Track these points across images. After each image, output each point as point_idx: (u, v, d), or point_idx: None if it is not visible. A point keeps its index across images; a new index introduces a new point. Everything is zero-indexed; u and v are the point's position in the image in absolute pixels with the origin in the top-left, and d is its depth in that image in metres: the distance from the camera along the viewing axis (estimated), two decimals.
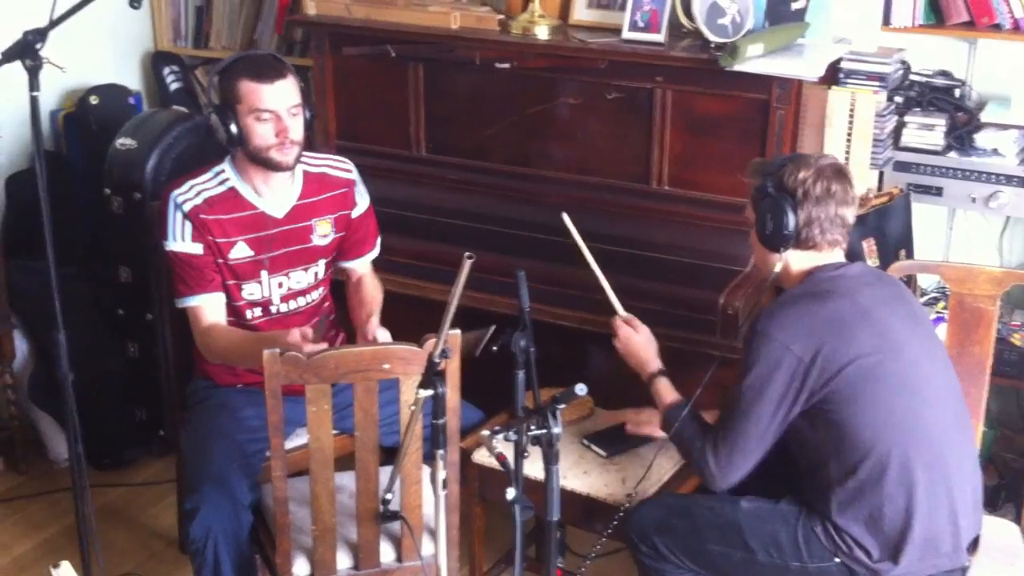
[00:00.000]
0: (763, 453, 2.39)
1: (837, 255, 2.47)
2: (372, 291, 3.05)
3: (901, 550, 2.32)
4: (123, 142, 3.58)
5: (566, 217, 2.74)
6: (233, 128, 2.73)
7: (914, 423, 2.34)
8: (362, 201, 3.05)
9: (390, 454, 2.59)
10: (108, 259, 3.72)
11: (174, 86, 4.37)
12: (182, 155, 3.58)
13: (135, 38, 4.41)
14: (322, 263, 3.00)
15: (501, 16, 3.45)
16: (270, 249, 2.88)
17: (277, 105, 2.73)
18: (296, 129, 2.78)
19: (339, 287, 3.15)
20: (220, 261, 2.83)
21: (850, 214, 2.44)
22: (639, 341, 2.75)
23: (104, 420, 3.75)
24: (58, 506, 3.65)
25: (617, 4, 3.40)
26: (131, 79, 4.39)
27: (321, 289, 3.04)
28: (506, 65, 3.37)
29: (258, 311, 2.92)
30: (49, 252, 2.59)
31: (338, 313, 3.15)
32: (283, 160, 2.78)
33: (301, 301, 2.98)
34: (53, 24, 2.50)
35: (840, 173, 2.43)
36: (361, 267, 3.10)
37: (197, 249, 2.79)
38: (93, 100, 4.02)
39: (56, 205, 2.66)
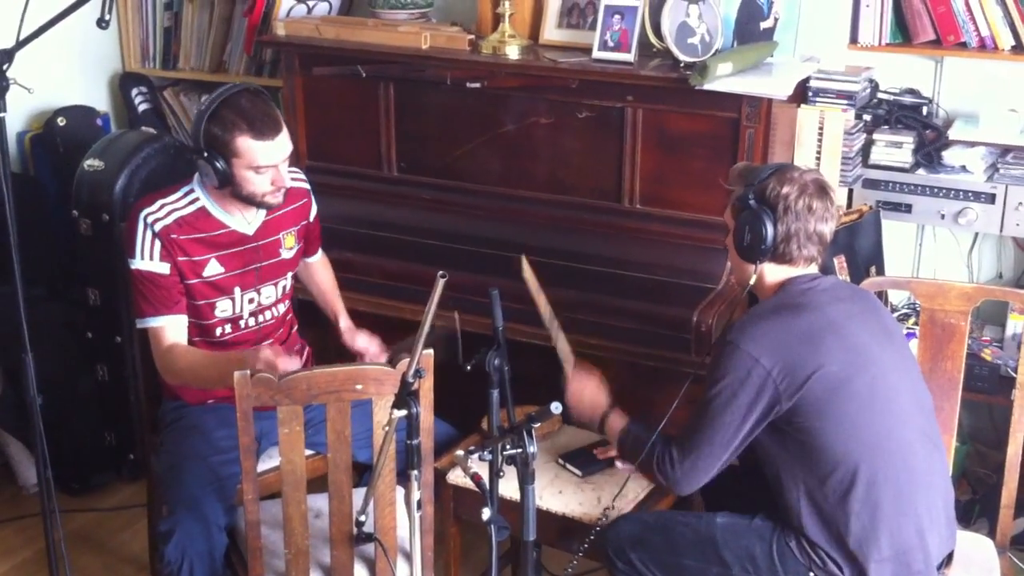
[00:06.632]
0: (727, 461, 2.40)
1: (812, 269, 2.48)
2: (324, 271, 3.21)
3: (868, 566, 2.33)
4: (91, 163, 3.55)
5: (525, 264, 2.67)
6: (225, 175, 2.71)
7: (881, 439, 2.34)
8: (315, 205, 3.10)
9: (363, 470, 2.57)
10: (77, 281, 3.69)
11: (142, 107, 4.36)
12: (151, 176, 3.55)
13: (103, 59, 4.39)
14: (289, 276, 3.01)
15: (472, 36, 3.45)
16: (242, 266, 2.87)
17: (276, 159, 2.73)
18: (288, 174, 2.81)
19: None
20: (194, 281, 2.81)
21: (829, 231, 2.44)
22: (592, 390, 2.72)
23: (73, 444, 3.72)
24: (28, 532, 3.60)
25: (587, 24, 3.42)
26: (99, 100, 4.37)
27: (287, 302, 3.05)
28: (477, 85, 3.38)
29: (228, 328, 2.91)
30: (17, 274, 2.57)
31: (300, 326, 3.15)
32: (274, 202, 2.82)
33: (269, 315, 2.98)
34: (20, 45, 2.48)
35: (823, 190, 2.43)
36: (317, 258, 3.20)
37: (164, 269, 2.77)
38: (61, 121, 4.00)
39: (24, 227, 2.64)
